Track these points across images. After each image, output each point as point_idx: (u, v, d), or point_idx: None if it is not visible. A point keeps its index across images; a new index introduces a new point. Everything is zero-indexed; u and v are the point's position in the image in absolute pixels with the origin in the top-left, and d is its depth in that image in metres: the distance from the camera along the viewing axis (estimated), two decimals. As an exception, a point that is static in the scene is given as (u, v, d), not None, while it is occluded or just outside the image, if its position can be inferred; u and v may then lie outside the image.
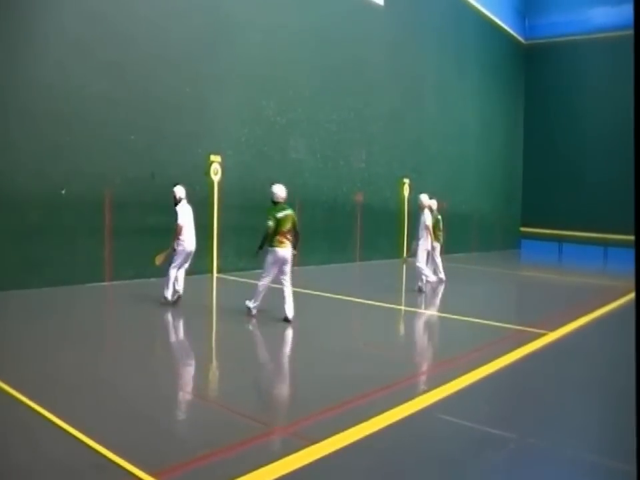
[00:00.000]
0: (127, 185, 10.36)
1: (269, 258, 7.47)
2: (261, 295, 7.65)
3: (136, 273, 10.47)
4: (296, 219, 7.61)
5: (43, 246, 9.29)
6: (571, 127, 23.77)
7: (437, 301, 10.79)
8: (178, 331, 7.63)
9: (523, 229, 25.13)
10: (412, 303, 10.31)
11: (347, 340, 7.21)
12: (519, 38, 25.05)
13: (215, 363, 6.36)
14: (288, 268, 7.50)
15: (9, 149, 8.95)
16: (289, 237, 7.45)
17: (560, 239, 23.50)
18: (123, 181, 10.30)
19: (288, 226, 7.44)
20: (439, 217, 12.38)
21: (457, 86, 20.42)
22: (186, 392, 5.08)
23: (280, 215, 7.38)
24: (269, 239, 7.38)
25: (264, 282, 7.57)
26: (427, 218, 10.85)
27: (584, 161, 23.25)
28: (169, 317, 7.90)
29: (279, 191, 7.57)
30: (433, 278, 11.07)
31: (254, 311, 7.70)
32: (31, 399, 4.40)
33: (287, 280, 7.56)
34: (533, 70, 25.09)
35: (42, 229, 9.30)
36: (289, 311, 7.51)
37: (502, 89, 23.73)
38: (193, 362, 6.23)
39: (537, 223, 24.29)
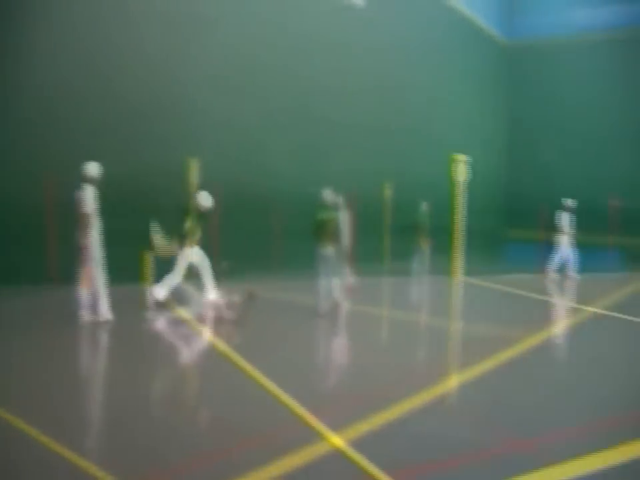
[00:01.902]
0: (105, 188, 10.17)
1: (317, 258, 8.17)
2: (323, 295, 8.15)
3: (129, 277, 10.21)
4: (337, 220, 8.20)
5: (21, 249, 9.12)
6: (555, 129, 23.93)
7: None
8: (162, 337, 7.49)
9: (507, 232, 25.17)
10: (410, 307, 10.27)
11: (327, 350, 7.13)
12: (502, 39, 25.19)
13: (200, 368, 6.24)
14: (331, 268, 8.23)
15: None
16: (331, 238, 8.11)
17: (543, 242, 23.50)
18: (101, 184, 10.10)
19: (330, 227, 8.07)
20: (425, 221, 12.34)
21: (439, 88, 20.48)
22: (164, 400, 4.96)
23: (321, 217, 8.09)
24: (316, 240, 8.12)
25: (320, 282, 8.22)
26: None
27: (568, 163, 23.41)
28: (153, 323, 7.77)
29: (325, 194, 8.29)
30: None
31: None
32: (12, 413, 4.27)
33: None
34: (516, 72, 25.20)
35: (20, 232, 9.15)
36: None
37: (485, 90, 23.83)
38: (178, 367, 6.11)
39: (520, 226, 24.27)
